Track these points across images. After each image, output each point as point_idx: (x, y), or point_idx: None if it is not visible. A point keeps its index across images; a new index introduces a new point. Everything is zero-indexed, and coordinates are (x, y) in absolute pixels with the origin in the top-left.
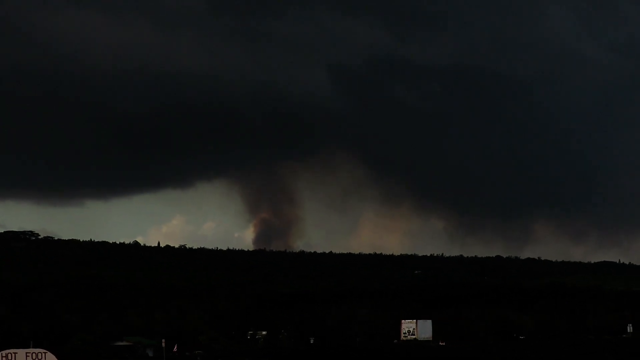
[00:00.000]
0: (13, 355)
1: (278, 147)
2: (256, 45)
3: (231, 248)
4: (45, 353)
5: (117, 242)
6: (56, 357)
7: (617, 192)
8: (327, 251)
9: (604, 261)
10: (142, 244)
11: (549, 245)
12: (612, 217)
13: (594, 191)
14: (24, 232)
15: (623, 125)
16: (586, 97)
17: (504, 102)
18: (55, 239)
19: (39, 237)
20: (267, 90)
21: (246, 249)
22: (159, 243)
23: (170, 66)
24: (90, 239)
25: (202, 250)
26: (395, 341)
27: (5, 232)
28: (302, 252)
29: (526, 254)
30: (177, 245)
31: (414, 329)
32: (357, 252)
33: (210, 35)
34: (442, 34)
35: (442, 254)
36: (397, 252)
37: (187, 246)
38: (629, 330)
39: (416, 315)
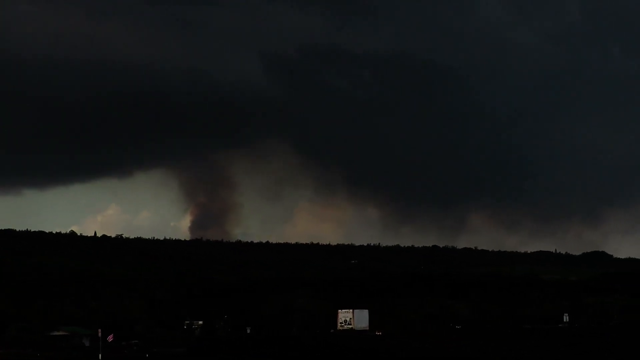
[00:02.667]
0: None
1: (213, 136)
2: (190, 34)
3: (168, 237)
4: None
5: (54, 232)
6: None
7: (551, 181)
8: (263, 240)
9: (540, 251)
10: (78, 234)
11: (484, 235)
12: (546, 207)
13: (529, 180)
14: None
15: (558, 114)
16: (521, 86)
17: (439, 90)
18: None
19: None
20: (202, 78)
21: (183, 239)
22: (95, 233)
23: (105, 55)
24: (27, 229)
25: (138, 239)
26: (332, 331)
27: None
28: (238, 242)
29: (461, 243)
30: (113, 235)
31: (350, 318)
32: (293, 241)
33: (145, 23)
34: (376, 22)
35: (379, 243)
36: (333, 242)
37: (123, 236)
38: (565, 320)
39: (353, 305)
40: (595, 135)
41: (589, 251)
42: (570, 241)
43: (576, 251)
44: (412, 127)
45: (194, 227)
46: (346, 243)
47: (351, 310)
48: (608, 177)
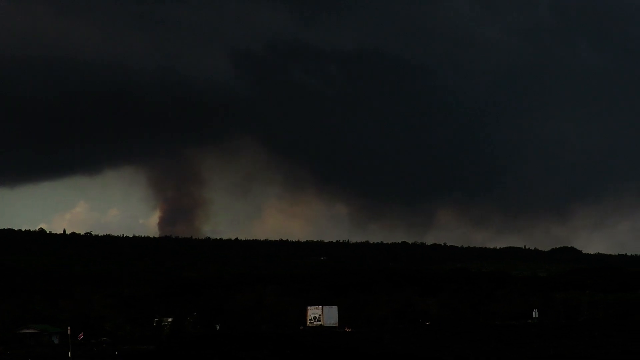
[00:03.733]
0: None
1: (182, 133)
2: (159, 31)
3: (137, 235)
4: None
5: (23, 230)
6: None
7: (520, 177)
8: (232, 237)
9: (510, 247)
10: (47, 231)
11: (452, 231)
12: (514, 203)
13: (497, 176)
14: None
15: (526, 110)
16: (489, 82)
17: (408, 86)
18: None
19: None
20: (170, 76)
21: (152, 236)
22: (64, 230)
23: (74, 53)
24: None
25: (107, 237)
26: (301, 327)
27: None
28: (208, 239)
29: (430, 239)
30: (82, 233)
31: (319, 315)
32: (262, 238)
33: (114, 21)
34: (344, 19)
35: (348, 240)
36: (302, 239)
37: (92, 233)
38: (534, 316)
39: (322, 302)
40: (564, 130)
41: (558, 247)
42: (539, 237)
43: (545, 247)
44: (380, 123)
45: (163, 224)
46: (315, 240)
47: (320, 306)
48: (576, 172)
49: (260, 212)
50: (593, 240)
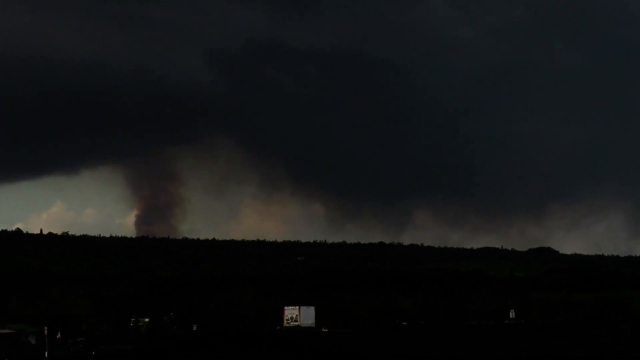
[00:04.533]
0: None
1: (159, 133)
2: (135, 30)
3: (114, 235)
4: None
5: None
6: None
7: (496, 177)
8: (210, 237)
9: (487, 247)
10: (24, 231)
11: (429, 231)
12: (490, 203)
13: (473, 176)
14: None
15: (502, 110)
16: (465, 82)
17: (383, 86)
18: None
19: None
20: (147, 75)
21: (129, 236)
22: (41, 230)
23: (51, 52)
24: None
25: (84, 237)
26: (278, 328)
27: None
28: (185, 239)
29: (406, 239)
30: (59, 232)
31: (296, 315)
32: (240, 238)
33: (89, 20)
34: (321, 18)
35: (325, 240)
36: (280, 239)
37: (69, 233)
38: (511, 316)
39: (299, 302)
40: (539, 130)
41: (535, 247)
42: (515, 237)
43: (522, 247)
44: (356, 123)
45: (140, 224)
46: (292, 240)
47: (297, 307)
48: (552, 172)
49: (237, 212)
50: (569, 240)
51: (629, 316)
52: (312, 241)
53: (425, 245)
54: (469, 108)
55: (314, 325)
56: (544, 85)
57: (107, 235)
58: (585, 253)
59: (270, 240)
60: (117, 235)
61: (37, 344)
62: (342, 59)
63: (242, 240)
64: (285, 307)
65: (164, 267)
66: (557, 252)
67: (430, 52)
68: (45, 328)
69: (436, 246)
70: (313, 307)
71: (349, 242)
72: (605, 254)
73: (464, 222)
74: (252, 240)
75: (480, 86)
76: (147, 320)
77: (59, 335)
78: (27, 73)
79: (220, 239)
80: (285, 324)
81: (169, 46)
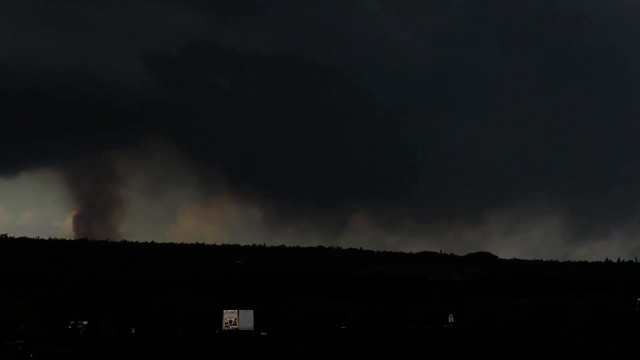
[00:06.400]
0: None
1: (98, 135)
2: (72, 32)
3: (52, 237)
4: None
5: None
6: None
7: (433, 181)
8: (149, 240)
9: (426, 251)
10: None
11: (366, 234)
12: (427, 207)
13: (410, 181)
14: None
15: (439, 114)
16: (404, 86)
17: (322, 89)
18: None
19: None
20: (84, 76)
21: (67, 238)
22: None
23: None
24: None
25: (22, 239)
26: (217, 331)
27: None
28: (123, 241)
29: (343, 243)
30: None
31: (235, 318)
32: (178, 241)
33: (24, 21)
34: (259, 21)
35: (264, 243)
36: (219, 242)
37: (7, 235)
38: (450, 320)
39: (238, 305)
40: (477, 135)
41: (474, 252)
42: (451, 241)
43: (461, 252)
44: (294, 126)
45: (78, 226)
46: (231, 243)
47: (236, 310)
48: (489, 177)
49: (176, 215)
50: (506, 245)
51: (566, 321)
52: (251, 245)
53: (364, 249)
54: (407, 112)
55: (252, 329)
56: (482, 89)
57: (46, 238)
58: (523, 258)
59: (209, 244)
60: (56, 237)
61: None
62: (280, 62)
63: (181, 243)
64: (224, 311)
65: (102, 269)
66: (496, 257)
67: (368, 55)
68: None
69: (375, 250)
70: (252, 311)
71: (288, 246)
72: (544, 259)
73: (400, 226)
74: (191, 244)
75: (418, 90)
76: (85, 322)
77: None
78: None
79: (159, 241)
80: (224, 327)
81: (106, 48)
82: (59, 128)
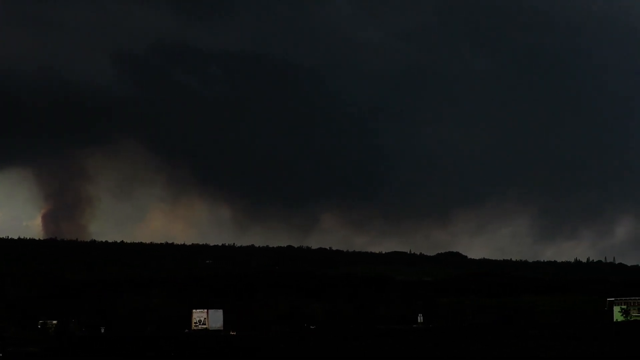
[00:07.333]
0: None
1: (67, 135)
2: (39, 32)
3: (22, 237)
4: None
5: None
6: None
7: (402, 180)
8: (118, 240)
9: (395, 251)
10: None
11: (334, 234)
12: (395, 207)
13: (379, 180)
14: None
15: (410, 114)
16: (374, 85)
17: (291, 88)
18: None
19: None
20: (53, 76)
21: (36, 238)
22: None
23: None
24: None
25: None
26: (186, 331)
27: None
28: (93, 241)
29: (312, 242)
30: None
31: (205, 318)
32: (148, 241)
33: None
34: (228, 20)
35: (234, 243)
36: (188, 241)
37: None
38: (419, 320)
39: (207, 305)
40: (445, 134)
41: (443, 252)
42: (420, 241)
43: (430, 252)
44: (263, 125)
45: (47, 226)
46: (201, 243)
47: (206, 310)
48: (457, 176)
49: (145, 214)
50: (475, 245)
51: (536, 321)
52: (220, 244)
53: (333, 249)
54: (376, 111)
55: (222, 329)
56: (451, 89)
57: (15, 237)
58: (492, 258)
59: (179, 243)
60: (25, 237)
61: None
62: (249, 61)
63: (151, 243)
64: (194, 310)
65: (72, 269)
66: (465, 256)
67: (337, 54)
68: None
69: (345, 250)
70: (221, 311)
71: (257, 246)
72: (513, 259)
73: (369, 225)
74: (161, 243)
75: (387, 89)
76: (55, 322)
77: None
78: None
79: (129, 241)
80: (193, 327)
81: (74, 48)
82: (27, 127)
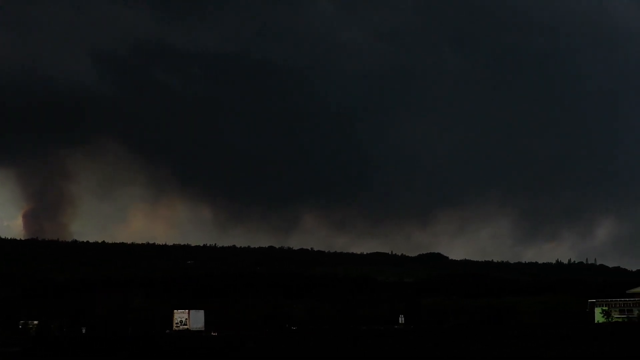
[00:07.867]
0: None
1: (47, 135)
2: (21, 31)
3: (2, 237)
4: None
5: None
6: None
7: (383, 181)
8: (99, 240)
9: (377, 252)
10: None
11: (315, 234)
12: (377, 208)
13: (361, 181)
14: None
15: (390, 114)
16: (355, 86)
17: (273, 89)
18: None
19: None
20: (33, 76)
21: (18, 238)
22: None
23: None
24: None
25: None
26: (168, 331)
27: None
28: (74, 241)
29: (293, 243)
30: None
31: (186, 319)
32: (129, 241)
33: None
34: (208, 20)
35: (215, 244)
36: (169, 242)
37: None
38: (400, 321)
39: (189, 306)
40: (427, 135)
41: (424, 252)
42: (401, 242)
43: (412, 253)
44: (244, 126)
45: (28, 225)
46: (182, 243)
47: (187, 310)
48: (438, 177)
49: (126, 214)
50: (456, 246)
51: (517, 322)
52: (201, 245)
53: (315, 249)
54: (357, 112)
55: (203, 329)
56: (432, 90)
57: None
58: (473, 259)
59: (160, 244)
60: (6, 237)
61: None
62: (229, 61)
63: (132, 243)
64: (175, 311)
65: (53, 269)
66: (447, 257)
67: (318, 55)
68: None
69: (326, 250)
70: (202, 311)
71: (238, 246)
72: (495, 260)
73: (351, 226)
74: (142, 244)
75: (369, 90)
76: (36, 322)
77: None
78: None
79: (110, 241)
80: (174, 327)
81: (56, 48)
82: (8, 127)
